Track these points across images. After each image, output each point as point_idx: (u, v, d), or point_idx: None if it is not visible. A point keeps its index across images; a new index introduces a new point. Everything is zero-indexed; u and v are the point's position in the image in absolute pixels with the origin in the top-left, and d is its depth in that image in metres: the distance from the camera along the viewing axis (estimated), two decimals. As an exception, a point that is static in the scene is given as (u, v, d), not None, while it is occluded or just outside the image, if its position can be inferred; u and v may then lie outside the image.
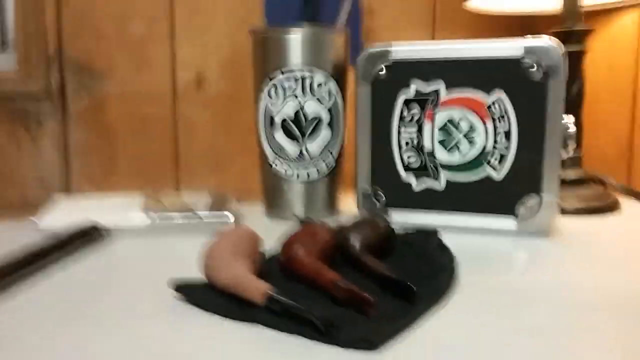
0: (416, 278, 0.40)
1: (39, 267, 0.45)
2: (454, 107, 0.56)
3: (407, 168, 0.58)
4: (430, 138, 0.57)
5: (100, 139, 0.70)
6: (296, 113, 0.59)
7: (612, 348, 0.34)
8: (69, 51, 0.68)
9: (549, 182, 0.54)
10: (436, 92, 0.56)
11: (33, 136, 0.67)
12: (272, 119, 0.60)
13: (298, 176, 0.61)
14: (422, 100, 0.57)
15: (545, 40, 0.53)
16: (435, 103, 0.56)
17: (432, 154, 0.57)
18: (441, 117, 0.56)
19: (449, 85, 0.56)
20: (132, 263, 0.49)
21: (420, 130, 0.57)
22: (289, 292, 0.37)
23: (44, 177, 0.68)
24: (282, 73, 0.59)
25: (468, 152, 0.56)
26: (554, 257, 0.50)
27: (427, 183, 0.57)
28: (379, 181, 0.59)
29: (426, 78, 0.56)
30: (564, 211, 0.62)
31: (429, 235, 0.49)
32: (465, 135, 0.56)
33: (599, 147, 0.78)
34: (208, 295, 0.39)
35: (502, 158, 0.55)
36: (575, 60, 0.65)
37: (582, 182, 0.67)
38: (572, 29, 0.66)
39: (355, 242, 0.45)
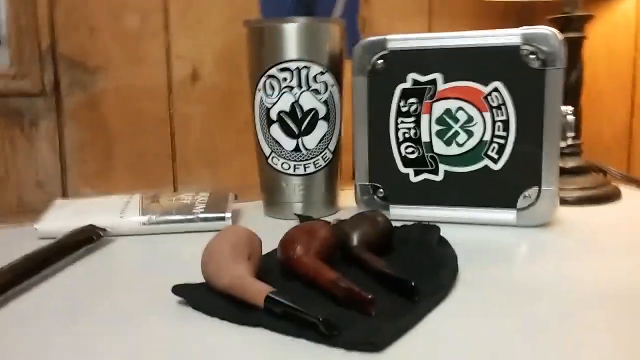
0: (417, 274, 0.39)
1: (39, 273, 0.45)
2: (452, 97, 0.55)
3: (405, 161, 0.57)
4: (427, 130, 0.56)
5: (96, 136, 0.69)
6: (292, 106, 0.59)
7: (614, 342, 0.34)
8: (62, 46, 0.67)
9: (549, 173, 0.54)
10: (433, 83, 0.56)
11: (28, 136, 0.67)
12: (268, 113, 0.60)
13: (295, 171, 0.60)
14: (420, 91, 0.56)
15: (543, 28, 0.52)
16: (433, 94, 0.56)
17: (430, 146, 0.56)
18: (438, 108, 0.56)
19: (447, 75, 0.55)
20: (130, 266, 0.49)
21: (417, 122, 0.57)
22: (288, 292, 0.37)
23: (41, 179, 0.67)
24: (277, 64, 0.58)
25: (466, 143, 0.55)
26: (555, 249, 0.50)
27: (426, 176, 0.57)
28: (377, 175, 0.58)
29: (423, 68, 0.56)
30: (564, 201, 0.62)
31: (429, 231, 0.49)
32: (462, 127, 0.55)
33: (599, 134, 0.77)
34: (208, 298, 0.38)
35: (500, 149, 0.55)
36: (574, 46, 0.64)
37: (582, 170, 0.67)
38: (571, 15, 0.66)
39: (355, 239, 0.45)
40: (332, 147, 0.61)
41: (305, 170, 0.60)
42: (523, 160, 0.54)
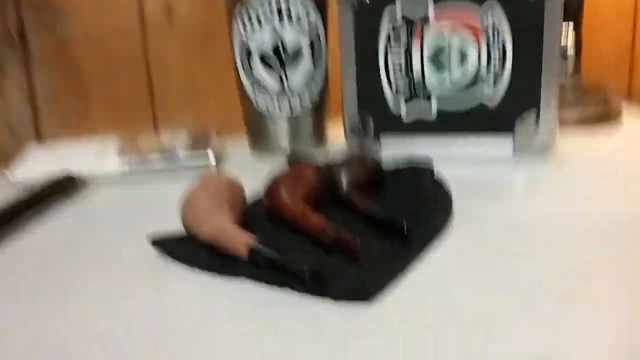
0: (409, 216, 0.37)
1: (14, 223, 0.43)
2: (444, 25, 0.52)
3: (396, 92, 0.54)
4: (419, 61, 0.53)
5: (68, 82, 0.66)
6: (274, 43, 0.55)
7: (615, 279, 0.32)
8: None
9: (548, 96, 0.51)
10: (425, 9, 0.52)
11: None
12: (248, 51, 0.56)
13: (281, 110, 0.57)
14: (410, 20, 0.52)
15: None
16: (424, 22, 0.52)
17: (422, 78, 0.53)
18: (431, 37, 0.52)
19: (439, 2, 0.51)
20: (109, 214, 0.47)
21: (408, 53, 0.53)
22: (274, 240, 0.35)
23: (13, 126, 0.64)
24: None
25: (460, 70, 0.52)
26: (553, 184, 0.48)
27: (418, 107, 0.54)
28: (367, 107, 0.55)
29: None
30: (563, 122, 0.59)
31: (422, 169, 0.46)
32: (456, 52, 0.52)
33: (600, 52, 0.74)
34: (189, 249, 0.37)
35: (496, 78, 0.52)
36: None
37: (581, 91, 0.64)
38: None
39: (343, 181, 0.42)
40: (318, 84, 0.58)
41: (291, 110, 0.57)
42: (521, 87, 0.51)
